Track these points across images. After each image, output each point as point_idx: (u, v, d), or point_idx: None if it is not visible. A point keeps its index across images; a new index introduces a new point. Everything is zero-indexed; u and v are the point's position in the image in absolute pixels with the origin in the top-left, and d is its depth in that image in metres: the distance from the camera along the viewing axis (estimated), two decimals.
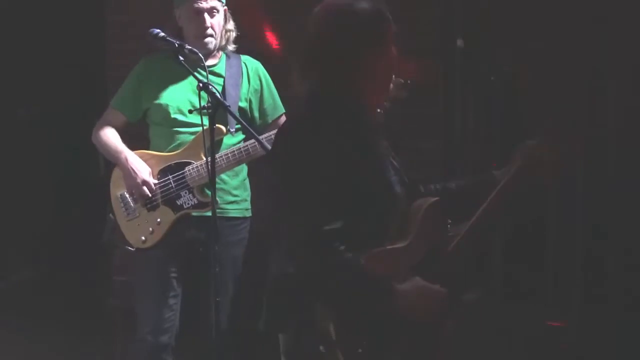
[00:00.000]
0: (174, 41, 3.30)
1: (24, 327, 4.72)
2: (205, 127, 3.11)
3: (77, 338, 4.71)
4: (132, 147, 3.63)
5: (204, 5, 3.51)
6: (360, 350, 2.15)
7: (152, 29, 3.33)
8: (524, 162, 2.39)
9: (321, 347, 2.13)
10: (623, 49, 4.16)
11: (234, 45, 3.67)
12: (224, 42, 3.63)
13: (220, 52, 3.65)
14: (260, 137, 3.35)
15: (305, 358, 2.21)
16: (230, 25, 3.64)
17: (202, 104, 3.11)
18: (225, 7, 3.61)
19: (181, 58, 3.26)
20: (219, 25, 3.57)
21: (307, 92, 2.37)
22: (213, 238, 3.06)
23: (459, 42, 4.43)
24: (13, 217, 5.31)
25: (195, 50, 3.36)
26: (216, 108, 3.09)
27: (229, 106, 3.29)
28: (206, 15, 3.51)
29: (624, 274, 4.22)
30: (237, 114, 3.53)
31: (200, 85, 3.08)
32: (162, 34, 3.31)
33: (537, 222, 4.42)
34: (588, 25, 4.18)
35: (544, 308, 4.40)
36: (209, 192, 3.37)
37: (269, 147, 3.23)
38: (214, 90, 3.12)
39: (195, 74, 3.22)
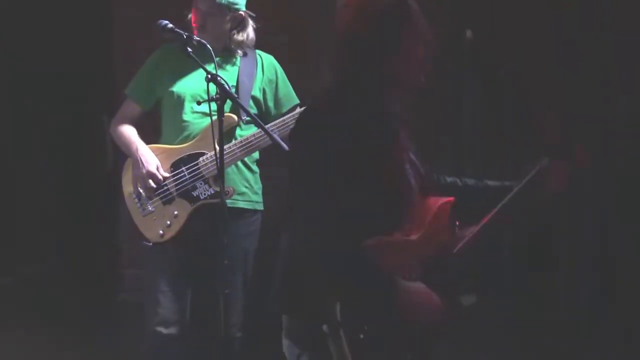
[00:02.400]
0: (182, 32, 3.30)
1: (33, 321, 4.74)
2: (215, 117, 3.10)
3: (85, 331, 4.71)
4: (147, 141, 3.63)
5: (200, 5, 3.52)
6: (361, 336, 2.15)
7: (160, 21, 3.33)
8: (537, 175, 2.41)
9: (324, 327, 2.12)
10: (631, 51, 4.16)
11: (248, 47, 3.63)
12: (232, 46, 3.58)
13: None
14: (268, 127, 3.35)
15: (307, 337, 2.21)
16: (243, 34, 3.59)
17: (211, 95, 3.11)
18: (242, 12, 3.58)
19: (189, 50, 3.25)
20: (217, 26, 3.53)
21: (332, 84, 2.36)
22: (222, 230, 3.05)
23: (468, 34, 4.41)
24: (21, 210, 5.33)
25: (203, 42, 3.36)
26: (224, 99, 3.09)
27: (237, 97, 3.29)
28: (199, 14, 3.51)
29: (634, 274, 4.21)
30: (250, 103, 3.53)
31: (209, 76, 3.08)
32: (170, 25, 3.31)
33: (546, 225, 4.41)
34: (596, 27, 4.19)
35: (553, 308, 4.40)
36: (224, 183, 3.38)
37: (276, 137, 3.24)
38: (223, 82, 3.12)
39: (205, 65, 3.21)
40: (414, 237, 2.27)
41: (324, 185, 2.18)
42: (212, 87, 3.10)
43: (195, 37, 3.35)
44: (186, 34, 3.31)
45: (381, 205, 2.23)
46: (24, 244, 5.39)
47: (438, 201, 2.33)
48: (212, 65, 3.22)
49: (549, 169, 2.42)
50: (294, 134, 2.35)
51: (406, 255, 2.26)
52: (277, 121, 3.48)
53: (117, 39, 5.16)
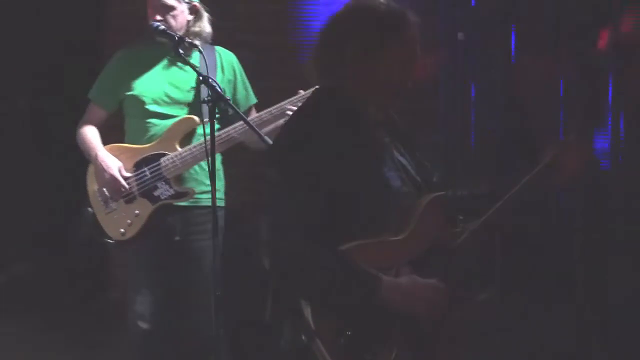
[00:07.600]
0: (174, 34, 3.32)
1: (21, 320, 4.74)
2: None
3: (75, 330, 4.73)
4: (113, 140, 3.64)
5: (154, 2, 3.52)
6: (342, 341, 2.15)
7: (152, 22, 3.36)
8: (553, 159, 2.35)
9: (303, 337, 2.13)
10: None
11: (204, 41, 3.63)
12: (190, 37, 3.57)
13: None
14: (235, 126, 3.43)
15: (289, 347, 2.21)
16: (199, 25, 3.59)
17: (203, 97, 3.14)
18: (196, 3, 3.58)
19: (181, 51, 3.27)
20: (175, 19, 3.53)
21: (315, 89, 2.40)
22: (215, 230, 3.05)
23: (460, 36, 4.42)
24: (10, 209, 5.32)
25: (195, 43, 3.39)
26: (216, 101, 3.10)
27: (229, 99, 3.30)
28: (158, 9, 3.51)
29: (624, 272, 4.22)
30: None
31: (200, 78, 3.11)
32: (162, 27, 3.34)
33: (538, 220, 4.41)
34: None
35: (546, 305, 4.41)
36: (186, 183, 3.51)
37: (264, 136, 3.25)
38: (214, 84, 3.13)
39: (196, 67, 3.24)
40: (400, 236, 2.26)
41: (299, 192, 2.19)
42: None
43: (187, 39, 3.37)
44: (178, 35, 3.33)
45: (360, 211, 2.22)
46: (13, 242, 5.39)
47: (427, 198, 2.32)
48: (201, 66, 3.25)
49: (557, 162, 2.35)
50: (276, 141, 2.39)
51: (391, 255, 2.25)
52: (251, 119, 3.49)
53: (109, 35, 5.16)
